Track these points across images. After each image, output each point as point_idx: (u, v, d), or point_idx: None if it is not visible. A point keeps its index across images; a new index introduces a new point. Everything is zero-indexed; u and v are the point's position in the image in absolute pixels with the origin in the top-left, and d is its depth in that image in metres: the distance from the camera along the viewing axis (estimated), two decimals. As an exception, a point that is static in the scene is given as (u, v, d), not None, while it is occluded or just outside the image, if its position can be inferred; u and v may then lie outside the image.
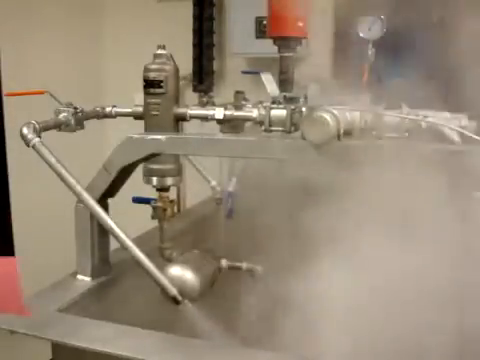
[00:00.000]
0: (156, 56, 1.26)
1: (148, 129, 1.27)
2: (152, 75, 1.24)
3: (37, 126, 1.15)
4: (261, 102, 1.19)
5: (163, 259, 1.28)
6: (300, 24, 1.26)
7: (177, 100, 1.27)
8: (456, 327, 0.94)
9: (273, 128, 1.14)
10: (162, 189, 1.31)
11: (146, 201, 1.34)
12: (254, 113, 1.18)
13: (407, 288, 0.99)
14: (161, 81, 1.23)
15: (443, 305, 0.95)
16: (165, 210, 1.31)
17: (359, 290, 1.03)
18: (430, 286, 0.95)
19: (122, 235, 1.09)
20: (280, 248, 1.27)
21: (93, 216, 1.15)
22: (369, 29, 1.40)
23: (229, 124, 1.25)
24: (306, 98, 1.11)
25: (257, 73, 1.25)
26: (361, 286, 1.04)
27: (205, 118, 1.23)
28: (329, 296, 1.10)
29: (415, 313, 0.97)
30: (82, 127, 1.30)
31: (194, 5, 2.62)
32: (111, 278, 1.26)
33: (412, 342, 0.96)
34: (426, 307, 0.95)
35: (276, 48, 1.31)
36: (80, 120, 1.29)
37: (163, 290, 1.06)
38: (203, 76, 2.62)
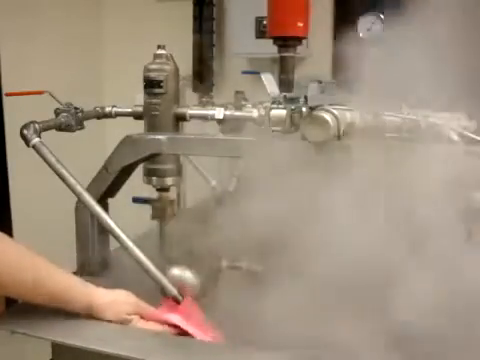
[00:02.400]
0: (156, 56, 1.26)
1: (148, 129, 1.27)
2: (152, 75, 1.24)
3: (37, 126, 1.15)
4: (261, 102, 1.19)
5: (163, 259, 1.28)
6: (300, 24, 1.27)
7: (177, 100, 1.27)
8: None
9: (273, 128, 1.14)
10: (162, 189, 1.31)
11: (146, 201, 1.34)
12: (254, 113, 1.18)
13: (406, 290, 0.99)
14: (161, 81, 1.23)
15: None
16: (165, 210, 1.31)
17: (360, 291, 1.02)
18: (430, 288, 0.95)
19: (122, 235, 1.09)
20: (280, 248, 1.27)
21: (93, 216, 1.15)
22: (369, 29, 1.40)
23: (229, 124, 1.25)
24: (306, 98, 1.11)
25: (257, 73, 1.25)
26: (361, 287, 1.04)
27: (205, 118, 1.23)
28: (329, 294, 1.10)
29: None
30: (82, 127, 1.30)
31: (194, 5, 2.62)
32: (111, 278, 1.26)
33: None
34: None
35: (276, 48, 1.31)
36: (80, 120, 1.29)
37: (163, 290, 1.06)
38: (203, 76, 2.62)
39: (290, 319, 0.99)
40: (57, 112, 1.26)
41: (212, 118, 1.22)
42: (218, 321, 1.08)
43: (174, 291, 1.06)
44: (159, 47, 1.27)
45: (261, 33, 2.38)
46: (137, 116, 1.30)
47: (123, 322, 1.02)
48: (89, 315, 1.03)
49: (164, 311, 1.06)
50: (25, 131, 1.14)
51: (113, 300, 1.04)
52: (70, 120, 1.26)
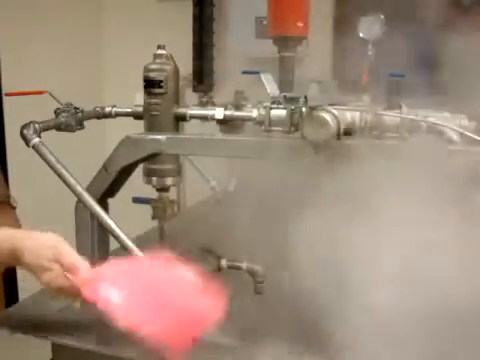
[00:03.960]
0: (156, 56, 1.26)
1: (148, 129, 1.27)
2: (152, 75, 1.24)
3: (37, 126, 1.15)
4: (261, 102, 1.19)
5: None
6: (300, 24, 1.27)
7: (177, 100, 1.27)
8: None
9: (273, 128, 1.14)
10: (162, 189, 1.31)
11: (146, 201, 1.33)
12: (254, 113, 1.18)
13: (408, 290, 0.98)
14: (161, 81, 1.23)
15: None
16: (165, 210, 1.31)
17: (358, 289, 1.02)
18: (431, 288, 0.94)
19: (122, 235, 1.09)
20: (280, 247, 1.27)
21: (93, 216, 1.15)
22: (369, 29, 1.40)
23: (229, 124, 1.25)
24: (306, 98, 1.11)
25: (257, 73, 1.25)
26: (361, 286, 1.04)
27: (205, 118, 1.23)
28: (329, 295, 1.10)
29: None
30: (82, 127, 1.30)
31: (194, 5, 2.62)
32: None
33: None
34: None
35: (276, 48, 1.31)
36: (80, 120, 1.29)
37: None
38: (203, 76, 2.62)
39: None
40: (57, 112, 1.26)
41: (212, 118, 1.22)
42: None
43: (174, 291, 1.06)
44: (159, 47, 1.27)
45: (261, 33, 2.37)
46: (137, 116, 1.30)
47: (43, 269, 0.91)
48: (16, 261, 0.94)
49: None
50: (25, 131, 1.14)
51: (34, 243, 0.93)
52: (70, 120, 1.26)
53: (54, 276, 0.91)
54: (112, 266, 0.95)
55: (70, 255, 0.93)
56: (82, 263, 0.93)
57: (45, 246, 0.92)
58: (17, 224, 1.34)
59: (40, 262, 0.91)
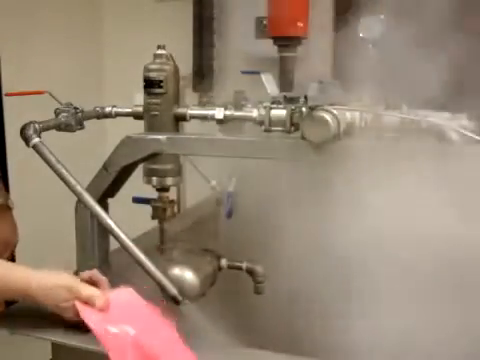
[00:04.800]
0: (156, 56, 1.26)
1: (148, 129, 1.27)
2: (152, 75, 1.24)
3: (37, 126, 1.15)
4: (261, 102, 1.19)
5: (163, 259, 1.28)
6: (300, 24, 1.27)
7: (177, 100, 1.27)
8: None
9: (273, 128, 1.14)
10: (162, 189, 1.31)
11: (146, 201, 1.34)
12: (254, 113, 1.18)
13: (406, 287, 0.99)
14: (161, 81, 1.23)
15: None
16: (165, 210, 1.31)
17: (358, 288, 1.03)
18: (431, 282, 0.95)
19: (122, 235, 1.09)
20: (280, 247, 1.27)
21: (93, 216, 1.15)
22: (369, 29, 1.40)
23: (229, 124, 1.25)
24: (306, 98, 1.11)
25: (257, 73, 1.25)
26: (361, 285, 1.04)
27: (205, 118, 1.23)
28: (329, 295, 1.10)
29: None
30: (82, 127, 1.30)
31: (194, 5, 2.63)
32: (111, 278, 1.26)
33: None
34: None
35: (276, 48, 1.31)
36: (80, 120, 1.29)
37: (163, 290, 1.06)
38: (203, 76, 2.62)
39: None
40: (57, 112, 1.26)
41: (212, 118, 1.22)
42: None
43: (174, 291, 1.06)
44: (159, 47, 1.27)
45: (261, 33, 2.38)
46: (137, 116, 1.30)
47: (62, 310, 0.98)
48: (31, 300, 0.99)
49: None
50: (25, 131, 1.14)
51: (51, 286, 0.98)
52: (70, 120, 1.26)
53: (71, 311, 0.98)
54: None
55: (86, 290, 0.98)
56: (97, 294, 0.99)
57: (58, 286, 0.98)
58: (14, 225, 1.34)
59: (57, 304, 0.97)
